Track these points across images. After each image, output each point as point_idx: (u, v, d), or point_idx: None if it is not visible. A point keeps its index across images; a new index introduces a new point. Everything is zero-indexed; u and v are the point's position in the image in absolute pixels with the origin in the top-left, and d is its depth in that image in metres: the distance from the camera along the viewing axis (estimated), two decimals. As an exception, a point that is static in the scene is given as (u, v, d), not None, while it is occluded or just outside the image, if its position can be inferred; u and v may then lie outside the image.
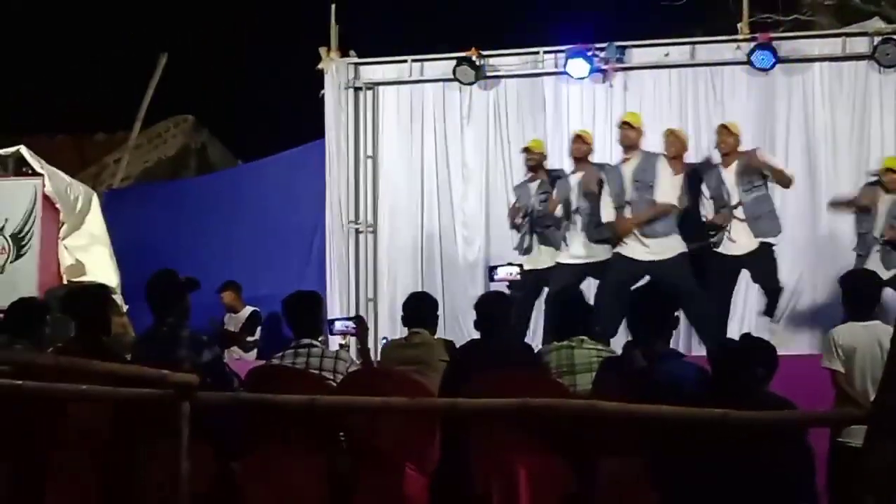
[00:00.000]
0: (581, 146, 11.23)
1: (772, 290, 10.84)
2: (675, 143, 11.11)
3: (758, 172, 10.69)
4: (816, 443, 5.81)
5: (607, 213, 10.64)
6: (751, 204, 10.61)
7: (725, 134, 10.92)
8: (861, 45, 12.34)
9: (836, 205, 11.24)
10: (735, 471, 5.51)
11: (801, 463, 5.64)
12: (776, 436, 5.57)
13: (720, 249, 10.67)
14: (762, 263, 10.70)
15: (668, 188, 10.51)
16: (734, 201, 10.62)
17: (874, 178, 10.88)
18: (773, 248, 10.75)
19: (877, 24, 13.07)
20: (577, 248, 10.91)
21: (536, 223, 11.21)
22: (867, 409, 5.47)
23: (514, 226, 11.45)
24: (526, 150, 11.62)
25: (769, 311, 10.99)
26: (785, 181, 10.89)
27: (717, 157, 11.09)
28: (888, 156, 11.21)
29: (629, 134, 10.74)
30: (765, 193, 10.74)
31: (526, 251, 11.27)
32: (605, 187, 10.70)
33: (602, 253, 10.78)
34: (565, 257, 10.96)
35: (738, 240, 10.61)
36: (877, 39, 12.15)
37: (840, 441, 6.76)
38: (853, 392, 7.01)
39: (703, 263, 10.68)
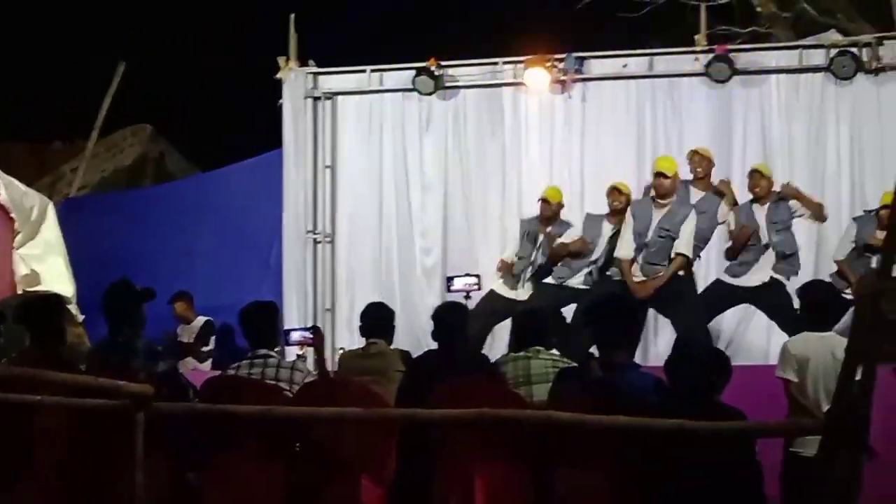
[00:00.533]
0: (619, 197, 11.04)
1: (790, 326, 10.29)
2: (702, 162, 11.12)
3: (788, 209, 10.72)
4: (770, 452, 5.84)
5: (625, 250, 10.59)
6: (778, 244, 10.65)
7: (758, 177, 10.87)
8: (817, 57, 12.42)
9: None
10: (692, 481, 5.54)
11: (752, 472, 5.68)
12: (726, 446, 5.59)
13: (732, 280, 10.74)
14: (773, 298, 10.58)
15: (688, 239, 10.49)
16: (764, 241, 10.65)
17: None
18: (785, 285, 10.62)
19: (833, 36, 13.16)
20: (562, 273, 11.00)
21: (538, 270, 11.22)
22: (820, 419, 5.51)
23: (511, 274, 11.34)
24: (544, 200, 11.43)
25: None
26: (821, 216, 10.91)
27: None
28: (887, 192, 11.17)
29: (664, 183, 10.60)
30: (791, 233, 10.79)
31: (512, 287, 11.27)
32: (630, 221, 10.64)
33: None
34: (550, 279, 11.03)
35: (754, 273, 10.65)
36: (833, 52, 12.24)
37: (793, 451, 6.80)
38: (806, 402, 7.04)
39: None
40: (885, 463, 6.97)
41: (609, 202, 11.08)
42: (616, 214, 10.95)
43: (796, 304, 10.47)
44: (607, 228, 10.98)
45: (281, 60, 13.37)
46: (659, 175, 10.66)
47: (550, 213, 11.32)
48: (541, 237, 11.19)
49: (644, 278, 10.41)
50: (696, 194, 10.94)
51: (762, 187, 10.82)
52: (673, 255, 10.43)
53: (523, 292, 11.11)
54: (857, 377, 4.59)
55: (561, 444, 5.87)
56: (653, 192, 10.74)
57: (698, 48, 12.68)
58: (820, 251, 11.54)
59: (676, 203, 10.61)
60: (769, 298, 10.59)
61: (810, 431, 5.76)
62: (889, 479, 7.64)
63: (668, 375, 5.99)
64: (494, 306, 10.97)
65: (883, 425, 6.67)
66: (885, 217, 10.43)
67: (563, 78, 12.74)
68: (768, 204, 10.75)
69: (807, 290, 7.55)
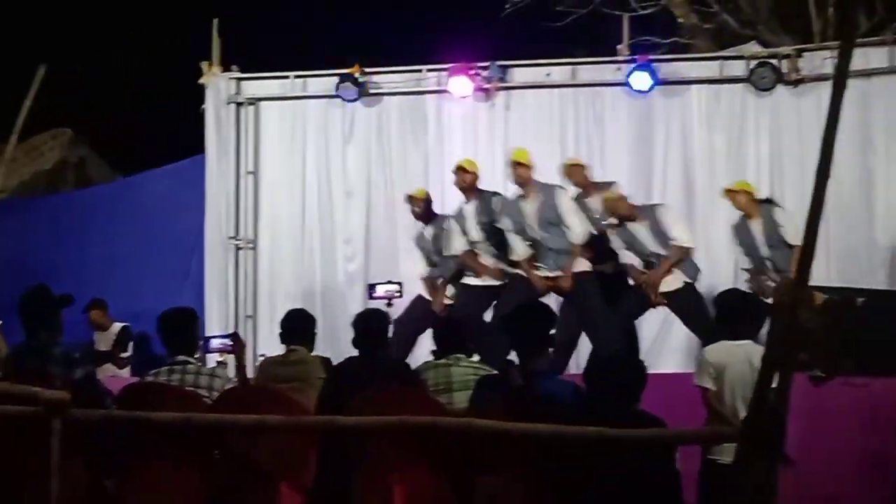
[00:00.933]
0: (464, 176, 10.91)
1: (702, 331, 10.33)
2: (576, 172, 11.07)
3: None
4: (688, 460, 5.88)
5: (521, 251, 10.42)
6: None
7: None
8: (738, 68, 12.56)
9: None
10: (611, 488, 5.56)
11: (670, 480, 5.71)
12: (645, 454, 5.62)
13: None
14: (685, 303, 10.52)
15: (579, 223, 10.36)
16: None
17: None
18: (696, 289, 10.60)
19: (753, 48, 13.33)
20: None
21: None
22: (737, 427, 5.55)
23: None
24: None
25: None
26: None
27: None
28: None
29: (521, 172, 10.47)
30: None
31: None
32: (506, 222, 10.49)
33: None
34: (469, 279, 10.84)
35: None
36: (753, 63, 12.39)
37: (711, 458, 6.84)
38: (723, 410, 7.10)
39: (618, 287, 10.68)
40: (802, 469, 7.06)
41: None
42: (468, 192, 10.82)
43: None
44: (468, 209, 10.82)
45: (204, 65, 13.30)
46: (517, 165, 10.54)
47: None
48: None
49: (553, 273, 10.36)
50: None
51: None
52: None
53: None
54: (774, 385, 4.62)
55: (481, 451, 5.86)
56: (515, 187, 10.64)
57: (620, 58, 12.79)
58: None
59: (540, 189, 10.45)
60: (681, 304, 10.58)
61: (727, 439, 5.80)
62: (806, 482, 7.74)
63: (586, 383, 6.02)
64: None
65: (800, 433, 6.77)
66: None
67: (486, 86, 12.81)
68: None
69: (722, 298, 7.61)
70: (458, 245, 10.65)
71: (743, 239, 10.64)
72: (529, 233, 10.32)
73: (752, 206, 10.61)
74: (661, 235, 10.41)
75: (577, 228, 10.25)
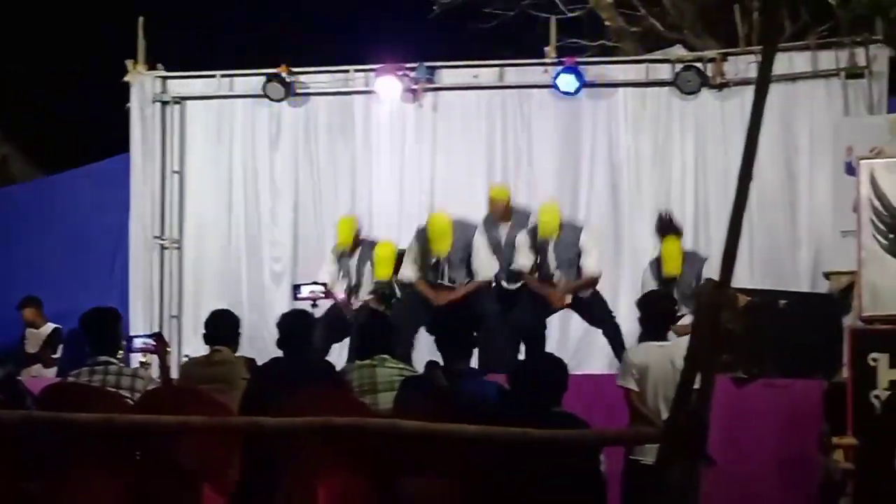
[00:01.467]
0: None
1: (608, 327, 10.58)
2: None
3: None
4: (611, 460, 5.91)
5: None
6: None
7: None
8: (664, 71, 12.64)
9: None
10: (534, 488, 5.57)
11: (595, 480, 5.74)
12: (568, 454, 5.64)
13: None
14: (592, 305, 10.60)
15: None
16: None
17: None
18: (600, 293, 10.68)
19: (679, 51, 13.41)
20: None
21: None
22: (659, 427, 5.58)
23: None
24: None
25: (616, 349, 10.33)
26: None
27: None
28: None
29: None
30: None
31: None
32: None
33: None
34: None
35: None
36: (678, 66, 12.48)
37: (633, 459, 6.89)
38: (646, 410, 7.15)
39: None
40: (724, 470, 7.12)
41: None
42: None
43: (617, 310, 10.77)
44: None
45: (129, 63, 13.20)
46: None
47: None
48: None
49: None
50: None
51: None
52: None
53: None
54: (696, 386, 4.65)
55: (405, 452, 5.86)
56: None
57: (548, 60, 12.83)
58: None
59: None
60: (586, 306, 10.62)
61: (649, 439, 5.84)
62: (728, 482, 7.81)
63: (510, 384, 6.03)
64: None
65: (722, 434, 6.83)
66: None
67: (414, 87, 12.79)
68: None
69: (645, 300, 7.66)
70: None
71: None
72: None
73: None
74: (572, 254, 10.46)
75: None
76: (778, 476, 8.73)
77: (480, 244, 10.58)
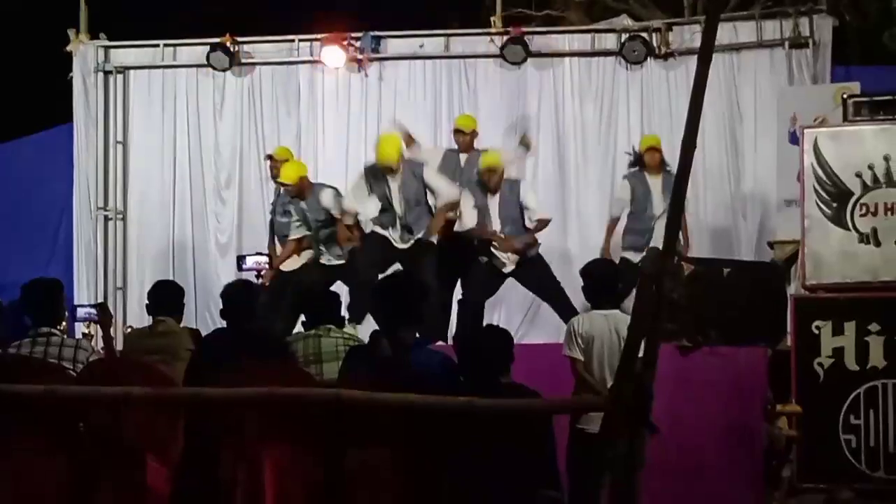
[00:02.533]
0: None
1: (553, 295, 10.32)
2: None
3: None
4: (557, 429, 5.91)
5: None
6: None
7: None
8: (610, 41, 12.70)
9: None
10: (481, 458, 5.57)
11: (544, 448, 5.74)
12: (520, 422, 5.64)
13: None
14: (533, 273, 10.34)
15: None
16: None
17: (633, 168, 10.91)
18: (543, 258, 10.44)
19: (624, 21, 13.43)
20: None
21: None
22: (604, 396, 5.60)
23: None
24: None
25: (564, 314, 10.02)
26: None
27: None
28: (647, 135, 11.32)
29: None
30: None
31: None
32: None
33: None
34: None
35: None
36: (624, 36, 12.52)
37: (579, 427, 6.90)
38: (592, 380, 7.16)
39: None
40: (669, 438, 7.15)
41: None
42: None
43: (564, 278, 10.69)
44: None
45: (71, 33, 13.08)
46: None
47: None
48: None
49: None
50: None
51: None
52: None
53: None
54: (641, 355, 4.66)
55: (350, 422, 5.84)
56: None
57: (493, 30, 12.83)
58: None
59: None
60: (529, 274, 10.44)
61: (594, 408, 5.85)
62: (672, 450, 7.85)
63: (456, 354, 6.02)
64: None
65: (666, 402, 6.86)
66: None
67: (359, 57, 12.78)
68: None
69: (589, 269, 7.65)
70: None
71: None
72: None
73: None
74: (513, 207, 10.31)
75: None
76: (722, 443, 8.77)
77: (432, 172, 10.22)
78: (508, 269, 10.21)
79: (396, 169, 9.97)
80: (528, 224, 10.25)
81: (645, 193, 10.66)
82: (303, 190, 10.40)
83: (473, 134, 10.79)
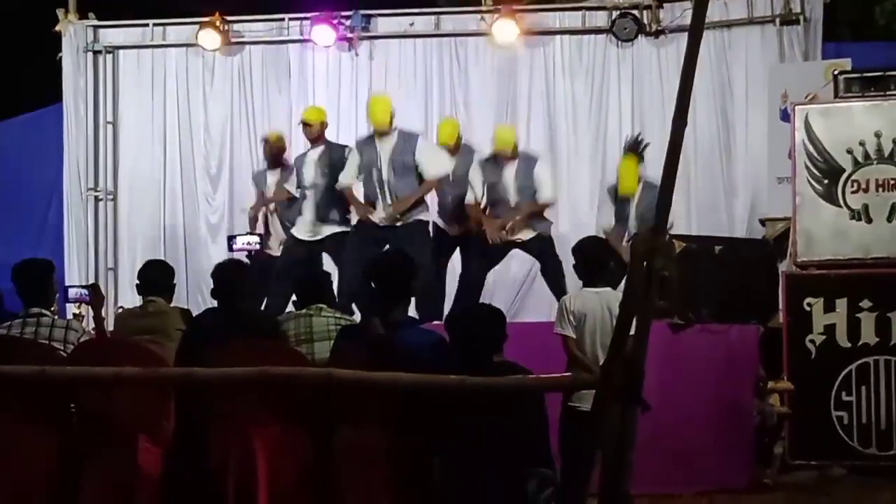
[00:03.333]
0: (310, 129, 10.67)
1: (552, 273, 10.41)
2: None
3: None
4: (549, 406, 5.91)
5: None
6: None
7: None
8: (600, 19, 12.66)
9: None
10: (474, 436, 5.57)
11: (536, 426, 5.74)
12: (512, 401, 5.64)
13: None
14: (545, 250, 10.45)
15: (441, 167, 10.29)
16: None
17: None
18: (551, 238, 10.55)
19: (615, -1, 13.38)
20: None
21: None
22: (596, 373, 5.59)
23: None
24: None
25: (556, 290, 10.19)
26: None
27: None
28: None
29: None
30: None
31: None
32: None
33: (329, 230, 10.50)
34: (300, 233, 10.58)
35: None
36: (615, 14, 12.49)
37: (571, 405, 6.90)
38: (583, 357, 7.16)
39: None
40: (660, 415, 7.16)
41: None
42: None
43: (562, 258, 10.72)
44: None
45: (60, 12, 13.04)
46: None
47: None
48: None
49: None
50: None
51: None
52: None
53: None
54: (632, 332, 4.66)
55: (342, 401, 5.84)
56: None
57: (484, 8, 12.81)
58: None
59: (399, 134, 10.25)
60: (542, 250, 10.48)
61: (586, 386, 5.85)
62: (664, 427, 7.87)
63: (448, 333, 6.01)
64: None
65: (658, 380, 6.87)
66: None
67: (349, 35, 12.75)
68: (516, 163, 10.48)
69: (580, 247, 7.64)
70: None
71: None
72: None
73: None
74: (530, 180, 10.34)
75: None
76: (714, 420, 8.80)
77: (424, 144, 10.29)
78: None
79: (388, 132, 10.06)
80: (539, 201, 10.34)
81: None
82: (321, 137, 10.57)
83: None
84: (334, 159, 10.38)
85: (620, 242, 9.88)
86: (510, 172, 10.31)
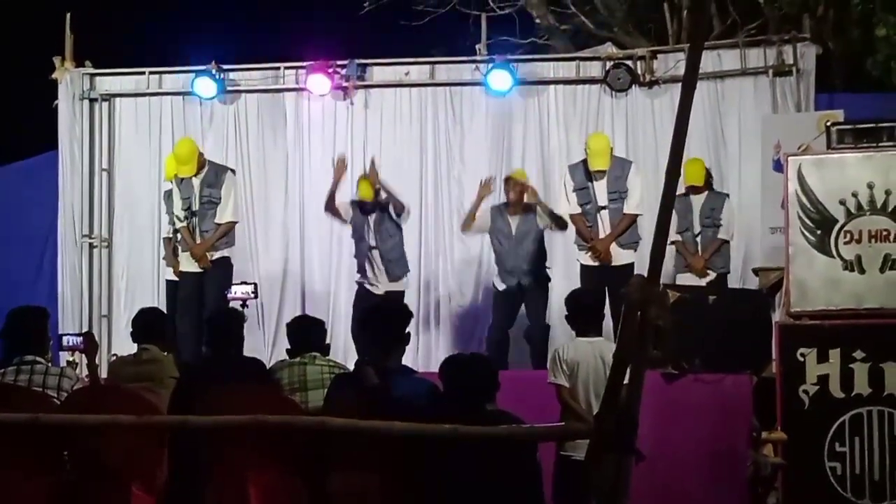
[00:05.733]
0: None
1: (537, 328, 10.64)
2: (515, 186, 10.94)
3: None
4: (542, 456, 5.91)
5: None
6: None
7: (513, 184, 10.86)
8: (594, 69, 12.71)
9: None
10: (467, 485, 5.56)
11: (529, 476, 5.73)
12: (505, 450, 5.64)
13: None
14: (536, 296, 10.72)
15: None
16: None
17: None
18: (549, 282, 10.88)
19: (609, 49, 13.48)
20: None
21: None
22: (589, 423, 5.59)
23: None
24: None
25: (535, 349, 10.53)
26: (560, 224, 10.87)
27: None
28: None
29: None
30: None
31: None
32: None
33: None
34: None
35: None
36: (609, 64, 12.53)
37: (564, 454, 6.90)
38: (577, 406, 7.16)
39: None
40: (655, 465, 7.15)
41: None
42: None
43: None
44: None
45: (56, 60, 13.08)
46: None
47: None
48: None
49: None
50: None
51: (516, 193, 10.80)
52: None
53: None
54: (626, 381, 4.66)
55: (335, 450, 5.84)
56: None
57: (479, 57, 12.86)
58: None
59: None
60: (533, 297, 10.69)
61: (579, 435, 5.85)
62: (658, 477, 7.85)
63: (442, 381, 6.02)
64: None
65: (652, 429, 6.86)
66: None
67: (345, 84, 12.79)
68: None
69: (573, 297, 7.67)
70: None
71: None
72: None
73: None
74: (622, 188, 10.64)
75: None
76: (708, 471, 8.77)
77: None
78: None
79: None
80: (625, 209, 10.57)
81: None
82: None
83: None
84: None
85: None
86: (602, 182, 10.67)
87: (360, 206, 11.10)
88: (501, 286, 10.71)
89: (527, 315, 10.72)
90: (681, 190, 10.84)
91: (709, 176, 11.24)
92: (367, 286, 10.94)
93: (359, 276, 11.11)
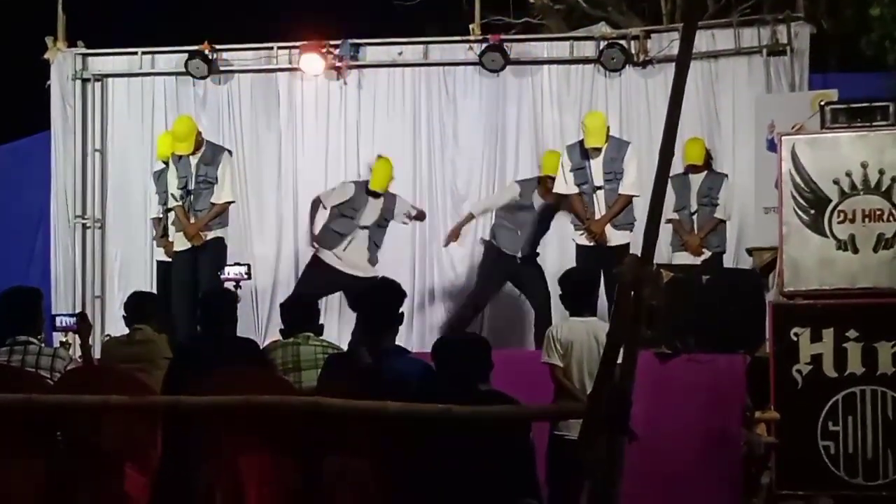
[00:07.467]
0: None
1: (539, 299, 10.87)
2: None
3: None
4: (536, 435, 5.91)
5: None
6: None
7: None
8: (588, 49, 12.69)
9: None
10: (460, 465, 5.57)
11: (523, 456, 5.74)
12: (498, 430, 5.64)
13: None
14: (529, 272, 10.97)
15: None
16: None
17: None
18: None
19: (603, 29, 13.45)
20: None
21: None
22: (582, 402, 5.60)
23: None
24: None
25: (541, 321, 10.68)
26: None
27: None
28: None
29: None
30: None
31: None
32: None
33: None
34: None
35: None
36: (603, 44, 12.51)
37: (557, 434, 6.91)
38: (571, 386, 7.17)
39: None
40: (648, 444, 7.16)
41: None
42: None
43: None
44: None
45: (48, 41, 13.04)
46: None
47: None
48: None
49: None
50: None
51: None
52: None
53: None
54: (619, 361, 4.67)
55: (329, 430, 5.84)
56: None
57: (472, 37, 12.83)
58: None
59: None
60: (526, 272, 10.84)
61: (572, 415, 5.86)
62: (651, 456, 7.86)
63: (434, 361, 6.02)
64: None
65: (645, 409, 6.86)
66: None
67: (338, 64, 12.76)
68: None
69: (567, 277, 7.67)
70: None
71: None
72: None
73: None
74: (618, 168, 10.68)
75: None
76: (701, 450, 8.78)
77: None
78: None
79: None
80: (621, 189, 10.60)
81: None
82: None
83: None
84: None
85: None
86: (598, 161, 10.73)
87: (367, 189, 11.02)
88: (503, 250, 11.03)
89: (527, 288, 11.07)
90: (680, 169, 10.87)
91: (709, 156, 11.25)
92: (329, 261, 10.90)
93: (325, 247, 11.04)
